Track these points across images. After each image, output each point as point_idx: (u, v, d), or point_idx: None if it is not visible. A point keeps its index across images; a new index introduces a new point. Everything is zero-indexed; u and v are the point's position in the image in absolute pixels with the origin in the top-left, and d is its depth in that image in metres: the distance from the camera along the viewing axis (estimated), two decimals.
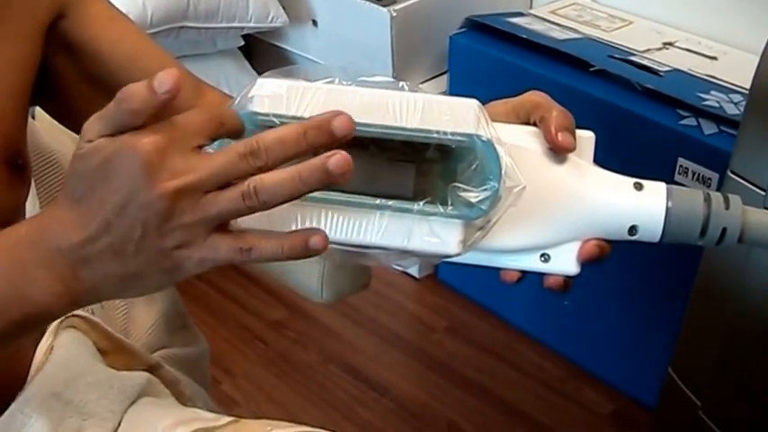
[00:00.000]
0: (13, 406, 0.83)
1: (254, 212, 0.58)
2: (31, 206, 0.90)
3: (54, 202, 0.63)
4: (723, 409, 1.34)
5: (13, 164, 0.79)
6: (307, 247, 0.59)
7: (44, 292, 0.61)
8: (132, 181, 0.57)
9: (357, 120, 0.62)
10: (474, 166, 0.63)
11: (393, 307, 2.17)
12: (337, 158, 0.57)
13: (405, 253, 0.66)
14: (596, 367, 1.93)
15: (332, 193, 0.63)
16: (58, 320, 0.88)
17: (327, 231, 0.63)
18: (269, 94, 0.63)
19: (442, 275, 2.22)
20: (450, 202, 0.63)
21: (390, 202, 0.63)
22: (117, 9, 0.91)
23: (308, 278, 0.96)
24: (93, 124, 0.59)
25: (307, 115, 0.63)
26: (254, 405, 1.90)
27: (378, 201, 0.63)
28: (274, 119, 0.63)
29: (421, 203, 0.63)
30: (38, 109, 0.97)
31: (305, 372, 1.99)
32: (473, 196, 0.63)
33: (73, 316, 0.89)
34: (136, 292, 0.62)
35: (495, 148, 0.63)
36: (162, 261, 0.59)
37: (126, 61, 0.87)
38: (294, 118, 0.63)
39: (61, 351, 0.87)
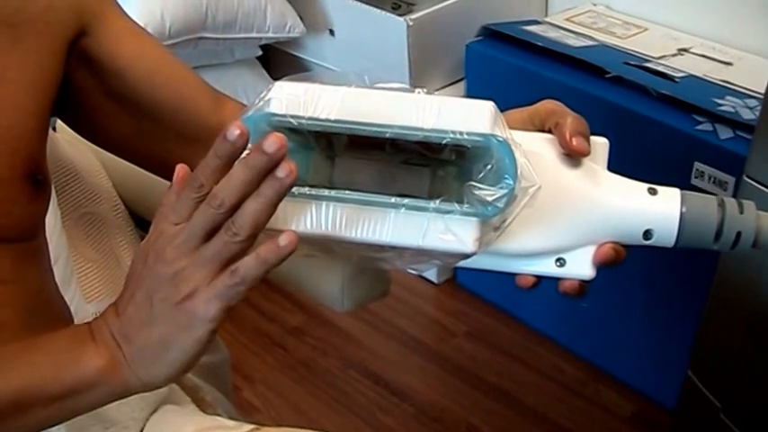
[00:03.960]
0: None
1: (240, 244, 0.63)
2: (53, 218, 0.91)
3: None
4: (743, 411, 1.33)
5: (34, 179, 0.81)
6: (278, 248, 0.62)
7: (95, 359, 0.68)
8: (147, 265, 0.66)
9: (374, 120, 0.63)
10: (490, 165, 0.63)
11: (412, 312, 2.17)
12: (282, 167, 0.61)
13: (421, 254, 0.67)
14: (616, 369, 1.93)
15: (347, 192, 0.64)
16: None
17: (344, 231, 0.64)
18: (287, 96, 0.64)
19: (460, 280, 2.22)
20: (465, 201, 0.64)
21: (405, 201, 0.63)
22: (137, 24, 0.92)
23: (329, 287, 0.97)
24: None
25: (323, 116, 0.64)
26: (274, 411, 1.91)
27: (393, 199, 0.64)
28: (292, 120, 0.64)
29: (437, 201, 0.63)
30: (59, 121, 0.98)
31: (325, 377, 1.99)
32: (489, 194, 0.63)
33: None
34: (173, 358, 0.67)
35: (510, 148, 0.63)
36: (177, 315, 0.65)
37: (146, 76, 0.88)
38: (311, 119, 0.64)
39: None
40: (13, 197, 0.79)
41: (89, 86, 0.88)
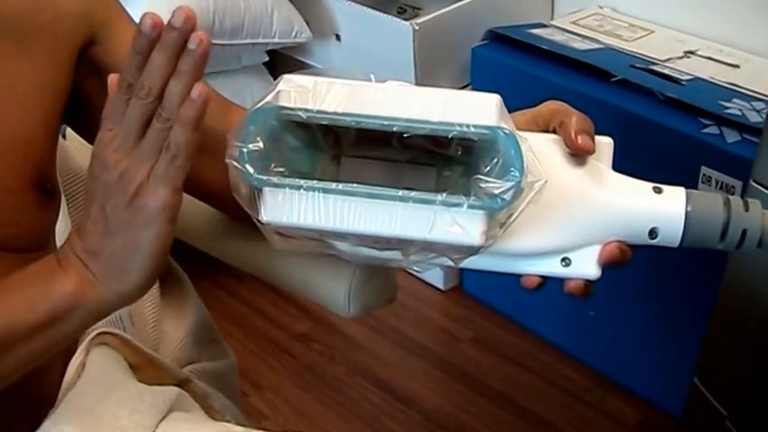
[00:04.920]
0: (46, 422, 0.83)
1: (169, 124, 0.64)
2: (63, 226, 0.91)
3: None
4: (749, 419, 1.33)
5: (43, 188, 0.81)
6: (192, 101, 0.63)
7: (65, 284, 0.69)
8: (94, 176, 0.68)
9: (381, 113, 0.63)
10: (496, 159, 0.63)
11: (418, 318, 2.17)
12: (192, 38, 0.62)
13: (427, 249, 0.67)
14: (623, 377, 1.92)
15: (355, 185, 0.64)
16: (90, 337, 0.89)
17: (351, 224, 0.64)
18: (295, 89, 0.65)
19: (466, 286, 2.22)
20: (472, 194, 0.63)
21: (413, 194, 0.63)
22: None
23: (336, 293, 0.97)
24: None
25: (332, 109, 0.64)
26: (281, 418, 1.91)
27: (400, 192, 0.64)
28: (300, 113, 0.64)
29: (444, 195, 0.63)
30: (68, 129, 0.98)
31: (332, 384, 1.99)
32: (496, 187, 0.63)
33: (104, 333, 0.90)
34: (141, 261, 0.67)
35: (517, 140, 0.63)
36: (135, 213, 0.66)
37: None
38: (320, 112, 0.64)
39: (93, 367, 0.88)
40: (21, 207, 0.79)
41: (98, 95, 0.88)
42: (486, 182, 0.63)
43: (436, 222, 0.64)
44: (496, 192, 0.63)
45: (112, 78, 0.66)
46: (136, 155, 0.65)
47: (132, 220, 0.66)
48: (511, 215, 0.65)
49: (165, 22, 0.64)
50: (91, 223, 0.68)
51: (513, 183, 0.63)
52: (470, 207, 0.63)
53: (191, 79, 0.63)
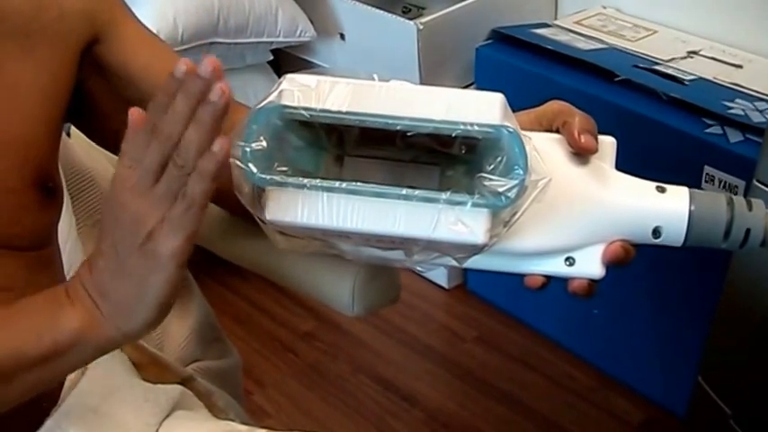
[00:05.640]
0: (49, 421, 0.84)
1: (184, 171, 0.62)
2: (68, 225, 0.92)
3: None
4: (753, 418, 1.33)
5: (45, 187, 0.81)
6: (213, 154, 0.61)
7: (72, 319, 0.68)
8: (105, 214, 0.67)
9: (384, 112, 0.63)
10: (500, 158, 0.63)
11: (423, 317, 2.17)
12: (215, 89, 0.61)
13: (431, 248, 0.67)
14: (627, 376, 1.93)
15: (359, 184, 0.64)
16: None
17: (355, 223, 0.64)
18: (298, 88, 0.64)
19: (471, 285, 2.22)
20: (476, 193, 0.63)
21: (417, 192, 0.63)
22: (149, 31, 0.92)
23: (340, 292, 0.97)
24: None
25: (335, 108, 0.64)
26: (285, 416, 1.91)
27: (404, 191, 0.64)
28: (304, 112, 0.64)
29: (447, 193, 0.63)
30: (72, 127, 0.98)
31: (335, 382, 2.00)
32: (500, 185, 0.63)
33: None
34: (148, 303, 0.66)
35: (520, 138, 0.63)
36: (145, 257, 0.64)
37: (158, 84, 0.88)
38: (323, 111, 0.64)
39: (97, 366, 0.88)
40: (23, 205, 0.79)
41: (102, 94, 0.89)
42: (490, 180, 0.63)
43: (440, 221, 0.63)
44: (500, 190, 0.63)
45: (134, 114, 0.64)
46: (151, 198, 0.64)
47: (142, 264, 0.65)
48: (515, 213, 0.65)
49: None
50: (102, 260, 0.67)
51: (517, 181, 0.63)
52: (474, 205, 0.63)
53: (209, 131, 0.61)
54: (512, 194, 0.63)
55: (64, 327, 0.68)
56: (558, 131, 0.73)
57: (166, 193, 0.63)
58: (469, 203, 0.63)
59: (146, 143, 0.63)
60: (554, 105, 0.75)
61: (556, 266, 0.72)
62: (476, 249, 0.66)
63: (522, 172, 0.63)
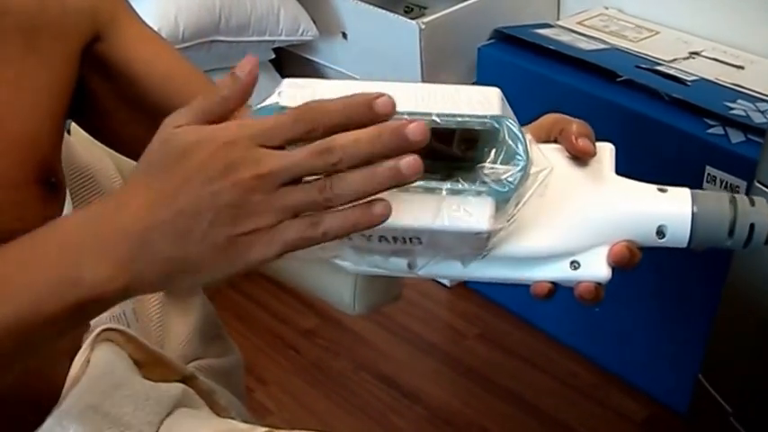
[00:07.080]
0: (50, 419, 0.83)
1: (327, 207, 0.58)
2: None
3: (116, 190, 0.63)
4: (754, 416, 1.34)
5: (47, 183, 0.81)
6: (371, 216, 0.58)
7: (99, 275, 0.61)
8: (208, 169, 0.58)
9: None
10: (501, 148, 0.63)
11: (425, 315, 2.17)
12: (408, 161, 0.57)
13: (433, 246, 0.67)
14: (629, 374, 1.93)
15: None
16: (95, 333, 0.90)
17: None
18: (298, 90, 0.65)
19: (473, 283, 2.22)
20: (478, 181, 0.63)
21: (418, 182, 0.62)
22: (151, 29, 0.92)
23: (341, 290, 0.97)
24: (180, 114, 0.62)
25: None
26: (287, 413, 1.92)
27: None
28: None
29: (449, 183, 0.63)
30: (73, 124, 0.98)
31: (337, 380, 2.00)
32: (502, 172, 0.63)
33: (109, 329, 0.90)
34: (183, 281, 0.61)
35: (519, 128, 0.63)
36: (228, 248, 0.58)
37: (160, 82, 0.89)
38: None
39: (98, 364, 0.88)
40: (26, 201, 0.79)
41: (103, 91, 0.89)
42: (492, 169, 0.63)
43: (442, 210, 0.63)
44: (503, 177, 0.63)
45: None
46: (274, 199, 0.57)
47: (222, 251, 0.58)
48: (517, 204, 0.65)
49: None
50: (171, 213, 0.59)
51: (519, 167, 0.63)
52: (477, 193, 0.63)
53: (376, 190, 0.57)
54: (514, 180, 0.63)
55: (87, 286, 0.61)
56: (556, 141, 0.73)
57: (292, 208, 0.58)
58: (472, 191, 0.63)
59: (295, 138, 0.58)
60: (549, 117, 0.75)
61: (561, 271, 0.72)
62: (481, 243, 0.66)
63: (522, 158, 0.63)
